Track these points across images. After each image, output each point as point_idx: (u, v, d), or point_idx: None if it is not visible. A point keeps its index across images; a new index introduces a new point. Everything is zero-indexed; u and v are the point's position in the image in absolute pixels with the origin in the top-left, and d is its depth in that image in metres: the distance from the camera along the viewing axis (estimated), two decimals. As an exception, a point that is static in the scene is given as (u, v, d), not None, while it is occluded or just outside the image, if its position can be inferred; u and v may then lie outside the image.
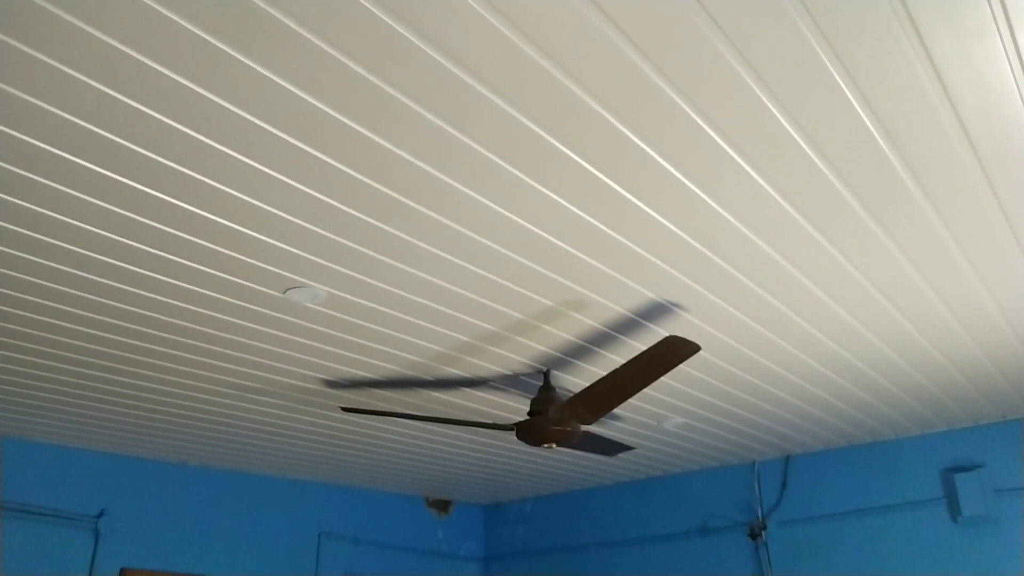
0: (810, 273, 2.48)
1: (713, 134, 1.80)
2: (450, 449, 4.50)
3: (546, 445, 3.03)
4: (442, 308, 2.65)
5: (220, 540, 4.67)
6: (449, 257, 2.32)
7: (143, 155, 1.80)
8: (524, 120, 1.73)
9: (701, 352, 2.86)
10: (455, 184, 1.96)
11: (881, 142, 1.84)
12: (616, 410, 3.73)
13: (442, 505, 6.05)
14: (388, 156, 1.84)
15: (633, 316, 2.75)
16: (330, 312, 2.66)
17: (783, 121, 1.76)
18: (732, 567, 4.89)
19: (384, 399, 3.57)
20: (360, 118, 1.71)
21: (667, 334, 2.63)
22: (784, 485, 4.84)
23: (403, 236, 2.19)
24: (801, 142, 1.83)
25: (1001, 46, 1.57)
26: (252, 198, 1.99)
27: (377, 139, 1.78)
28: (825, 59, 1.58)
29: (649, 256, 2.36)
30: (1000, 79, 1.66)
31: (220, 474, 4.79)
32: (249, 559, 4.77)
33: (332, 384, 3.36)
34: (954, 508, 4.12)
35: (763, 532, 4.80)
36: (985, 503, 3.99)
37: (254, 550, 4.82)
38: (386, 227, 2.14)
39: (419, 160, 1.86)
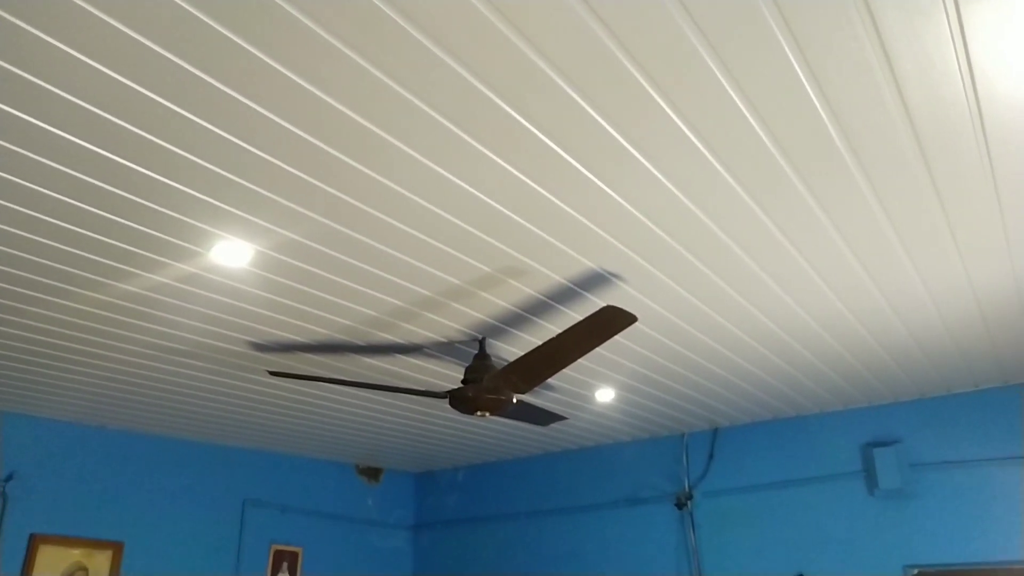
0: (747, 247, 2.49)
1: (663, 103, 1.76)
2: (382, 416, 4.44)
3: (479, 413, 3.00)
4: (376, 271, 2.57)
5: (139, 507, 4.52)
6: (385, 218, 2.24)
7: (54, 93, 1.66)
8: (470, 78, 1.66)
9: (637, 323, 2.86)
10: (395, 142, 1.88)
11: (825, 118, 1.83)
12: (550, 380, 3.72)
13: (372, 473, 5.99)
14: (326, 109, 1.74)
15: (571, 285, 2.72)
16: (257, 271, 2.55)
17: (732, 93, 1.73)
18: (658, 536, 4.98)
19: (314, 364, 3.48)
20: (297, 67, 1.61)
21: (604, 304, 2.61)
22: (711, 456, 4.94)
23: (337, 194, 2.10)
24: (748, 115, 1.81)
25: (947, 27, 1.57)
26: (178, 147, 1.87)
27: (315, 91, 1.68)
28: (777, 30, 1.55)
29: (590, 224, 2.32)
30: (944, 60, 1.66)
31: (141, 438, 4.62)
32: (169, 526, 4.64)
33: (260, 347, 3.25)
34: (872, 481, 4.27)
35: (689, 502, 4.90)
36: (901, 477, 4.14)
37: (175, 517, 4.68)
38: (320, 184, 2.04)
39: (359, 115, 1.77)
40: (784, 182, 2.11)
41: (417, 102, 1.74)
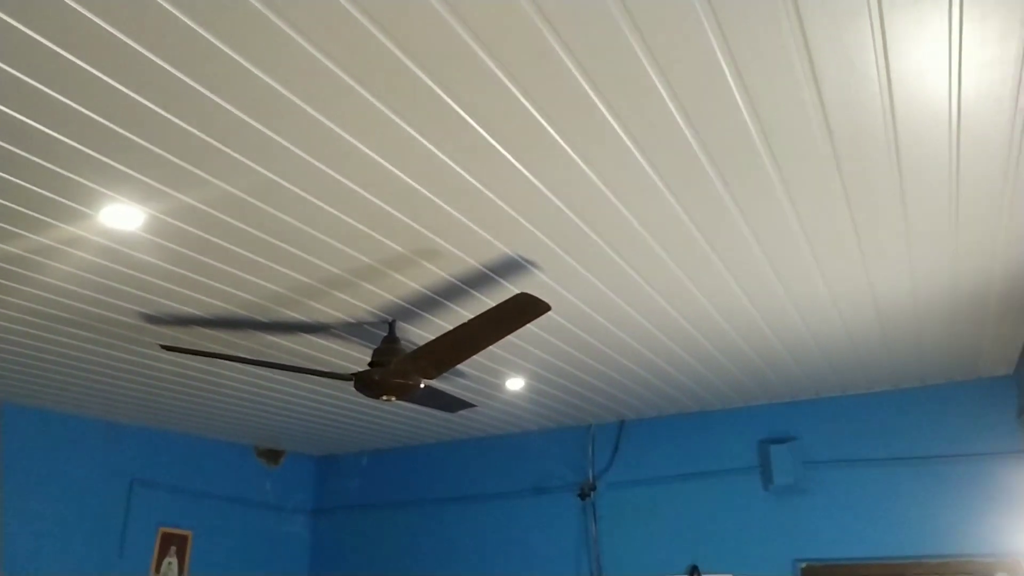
0: (663, 241, 2.49)
1: (590, 91, 1.72)
2: (284, 397, 4.28)
3: (385, 398, 2.92)
4: (282, 244, 2.44)
5: (17, 484, 4.22)
6: (294, 189, 2.12)
7: (-84, 22, 1.48)
8: (390, 45, 1.57)
9: (550, 312, 2.83)
10: (312, 111, 1.77)
11: (745, 114, 1.83)
12: (460, 366, 3.67)
13: (272, 455, 5.80)
14: (237, 70, 1.61)
15: (485, 270, 2.66)
16: (151, 237, 2.38)
17: (660, 86, 1.70)
18: (561, 525, 5.01)
19: (212, 339, 3.31)
20: (204, 19, 1.48)
21: (518, 291, 2.56)
22: (616, 448, 5.00)
23: (243, 160, 1.97)
24: (673, 108, 1.79)
25: (870, 32, 1.58)
26: (65, 96, 1.71)
27: (226, 49, 1.55)
28: (704, 20, 1.52)
29: (508, 209, 2.27)
30: (864, 64, 1.68)
31: (20, 411, 4.31)
32: (49, 506, 4.35)
33: (153, 319, 3.06)
34: (767, 477, 4.40)
35: (592, 493, 4.95)
36: (795, 473, 4.28)
37: (56, 496, 4.40)
38: (219, 145, 1.91)
39: (274, 80, 1.65)
40: (702, 176, 2.11)
41: (339, 72, 1.63)
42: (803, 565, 4.23)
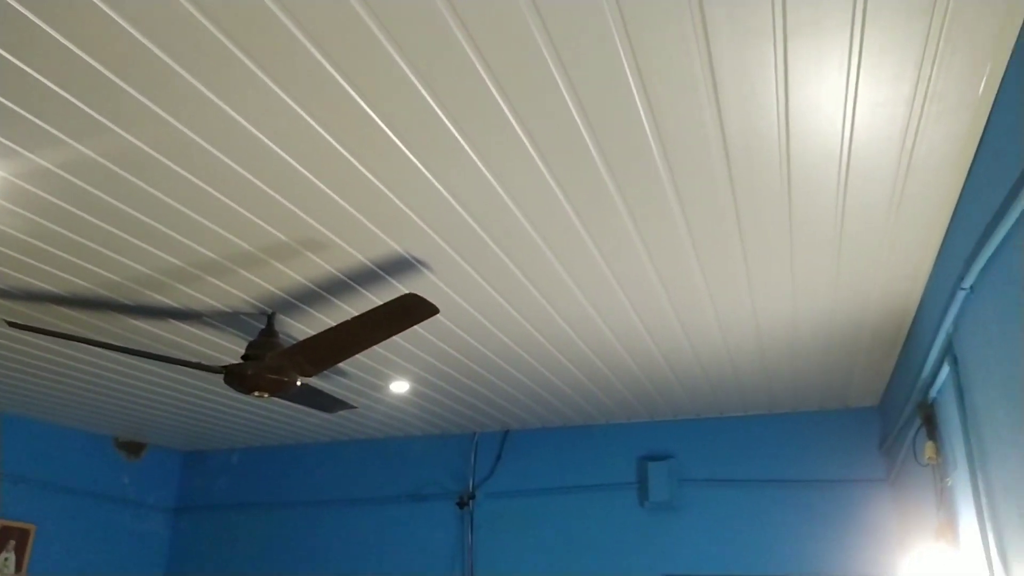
0: (558, 251, 2.45)
1: (496, 93, 1.65)
2: (148, 387, 4.00)
3: (257, 394, 2.75)
4: (150, 221, 2.25)
5: None
6: (164, 161, 1.94)
7: None
8: (287, 21, 1.45)
9: (439, 315, 2.74)
10: (186, 75, 1.61)
11: (647, 128, 1.80)
12: (341, 365, 3.52)
13: (133, 448, 5.43)
14: (97, 16, 1.44)
15: (373, 267, 2.55)
16: (2, 203, 2.14)
17: (566, 94, 1.65)
18: (436, 534, 4.91)
19: (69, 320, 3.03)
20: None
21: (406, 291, 2.47)
22: (499, 458, 4.95)
23: (104, 120, 1.78)
24: (575, 114, 1.74)
25: (773, 57, 1.58)
26: None
27: (105, 8, 1.40)
28: (614, 30, 1.48)
29: (401, 205, 2.17)
30: (765, 90, 1.68)
31: None
32: None
33: (2, 293, 2.77)
34: (643, 493, 4.46)
35: (471, 502, 4.88)
36: (670, 490, 4.35)
37: None
38: (80, 104, 1.72)
39: (139, 32, 1.49)
40: (602, 190, 2.08)
41: (226, 41, 1.50)
42: (671, 581, 4.30)
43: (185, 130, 1.81)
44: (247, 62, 1.57)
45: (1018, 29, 1.49)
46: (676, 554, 4.33)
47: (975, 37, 1.51)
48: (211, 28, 1.48)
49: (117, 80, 1.63)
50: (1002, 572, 1.99)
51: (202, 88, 1.66)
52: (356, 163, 1.95)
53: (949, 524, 2.55)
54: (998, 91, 1.66)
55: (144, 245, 2.40)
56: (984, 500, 2.13)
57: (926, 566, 2.86)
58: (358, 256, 2.48)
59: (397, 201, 2.14)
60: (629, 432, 4.71)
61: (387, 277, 2.63)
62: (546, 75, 1.62)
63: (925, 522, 2.99)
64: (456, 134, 1.83)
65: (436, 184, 2.05)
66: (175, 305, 2.88)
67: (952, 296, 2.16)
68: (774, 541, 4.16)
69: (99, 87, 1.65)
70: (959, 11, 1.44)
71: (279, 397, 2.92)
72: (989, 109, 1.73)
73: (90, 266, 2.55)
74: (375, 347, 3.25)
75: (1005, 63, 1.58)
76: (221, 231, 2.31)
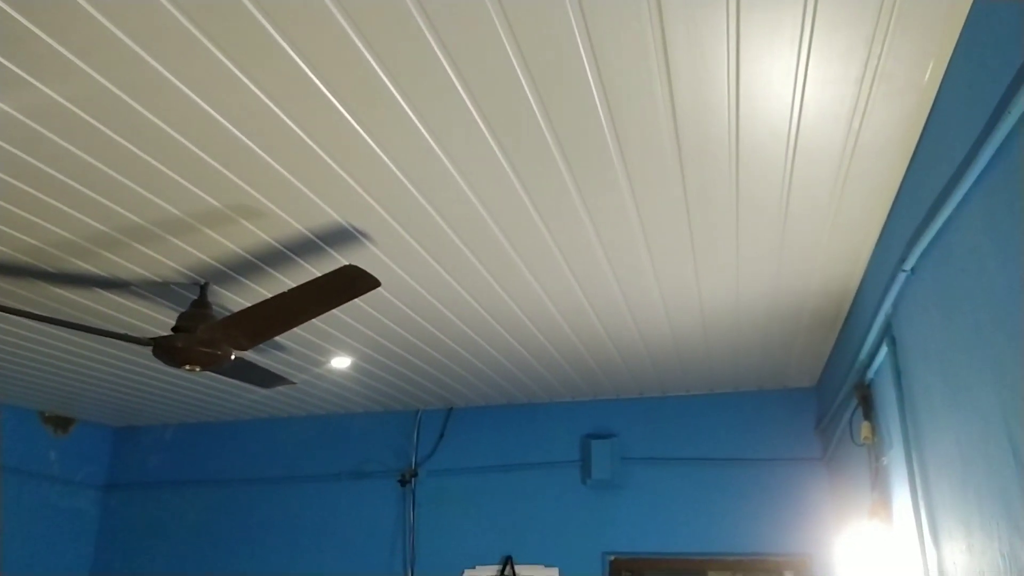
0: (504, 225, 2.40)
1: (445, 62, 1.58)
2: (76, 359, 3.83)
3: (188, 367, 2.64)
4: (72, 183, 2.12)
5: None
6: (86, 118, 1.82)
7: None
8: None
9: (380, 289, 2.67)
10: (112, 28, 1.49)
11: (597, 100, 1.75)
12: (280, 339, 3.42)
13: (61, 423, 5.23)
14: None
15: (313, 237, 2.46)
16: (-95, 158, 1.99)
17: (512, 56, 1.58)
18: (378, 512, 4.86)
19: (-13, 287, 2.87)
20: None
21: (347, 263, 2.39)
22: (442, 435, 4.90)
23: (23, 75, 1.65)
24: (525, 83, 1.68)
25: (725, 28, 1.54)
26: None
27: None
28: (572, 17, 1.43)
29: (343, 174, 2.08)
30: (716, 64, 1.64)
31: None
32: None
33: (-91, 257, 2.60)
34: (586, 471, 4.47)
35: (413, 479, 4.83)
36: (612, 468, 4.37)
37: None
38: (5, 62, 1.60)
39: (53, -28, 1.38)
40: (550, 162, 2.03)
41: (139, -25, 1.39)
42: (611, 558, 4.33)
43: (111, 87, 1.69)
44: (179, 16, 1.47)
45: (966, 11, 1.48)
46: (617, 532, 4.37)
47: (925, 17, 1.50)
48: (133, -28, 1.37)
49: (35, 29, 1.51)
50: (933, 550, 2.03)
51: (129, 42, 1.54)
52: (295, 127, 1.86)
53: (883, 503, 2.60)
54: (944, 74, 1.66)
55: (67, 208, 2.26)
56: (918, 479, 2.17)
57: (860, 543, 2.92)
58: (296, 225, 2.38)
59: (338, 169, 2.06)
60: (573, 410, 4.71)
61: (327, 248, 2.54)
62: (493, 37, 1.55)
63: (860, 501, 3.05)
64: (400, 99, 1.75)
65: (379, 152, 1.97)
66: (101, 273, 2.74)
67: (893, 278, 2.18)
68: (713, 519, 4.22)
69: (15, 36, 1.53)
70: (912, -13, 1.43)
71: (213, 371, 2.81)
72: (935, 92, 1.73)
73: (8, 230, 2.39)
74: (314, 321, 3.16)
75: (953, 45, 1.58)
76: (149, 195, 2.19)
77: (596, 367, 3.95)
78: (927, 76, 1.68)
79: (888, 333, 2.40)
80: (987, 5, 1.39)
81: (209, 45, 1.56)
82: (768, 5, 1.47)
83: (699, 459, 4.36)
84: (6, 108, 1.78)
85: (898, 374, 2.33)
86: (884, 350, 2.46)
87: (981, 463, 1.64)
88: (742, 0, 1.46)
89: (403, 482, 4.84)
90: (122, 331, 3.02)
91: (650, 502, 4.36)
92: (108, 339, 3.42)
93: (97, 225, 2.37)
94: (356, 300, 2.92)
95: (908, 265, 2.02)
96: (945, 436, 1.89)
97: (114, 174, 2.07)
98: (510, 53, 1.60)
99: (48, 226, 2.38)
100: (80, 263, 2.65)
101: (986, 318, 1.54)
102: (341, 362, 3.84)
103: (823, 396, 4.02)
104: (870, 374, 2.75)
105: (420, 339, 3.48)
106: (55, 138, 1.90)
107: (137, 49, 1.57)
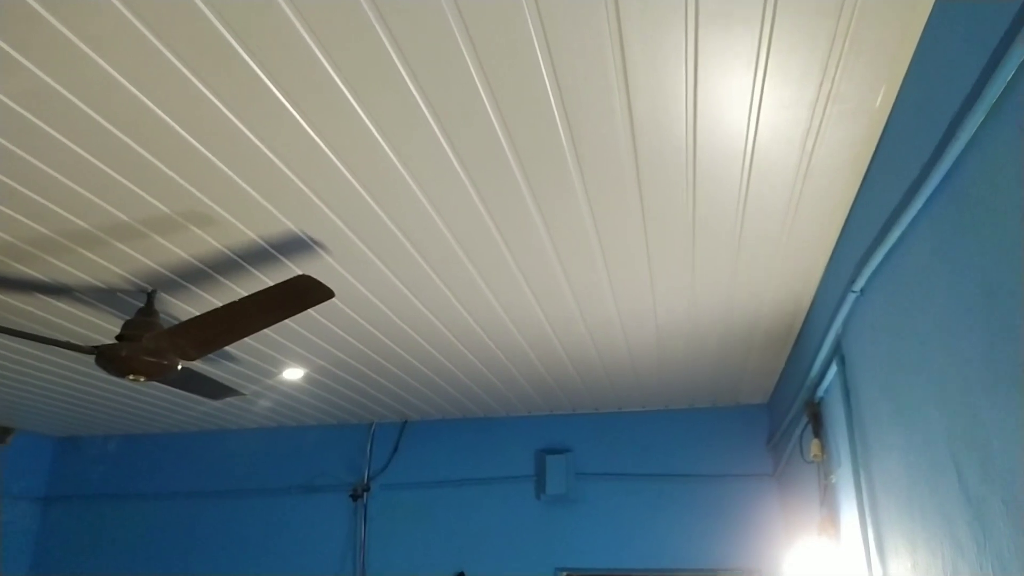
0: (461, 237, 2.38)
1: (400, 66, 1.55)
2: (14, 367, 3.69)
3: (132, 377, 2.56)
4: (13, 183, 2.04)
5: None
6: (29, 116, 1.75)
7: None
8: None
9: (334, 299, 2.63)
10: (54, 21, 1.44)
11: (555, 112, 1.75)
12: (229, 349, 3.34)
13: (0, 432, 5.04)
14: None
15: (266, 245, 2.41)
16: None
17: (470, 65, 1.57)
18: (328, 527, 4.77)
19: (-79, 291, 2.75)
20: None
21: (300, 272, 2.34)
22: (396, 449, 4.85)
23: (-39, 70, 1.59)
24: (483, 94, 1.67)
25: (683, 44, 1.55)
26: None
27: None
28: (526, 8, 1.42)
29: (298, 182, 2.05)
30: (674, 80, 1.65)
31: None
32: None
33: None
34: (540, 486, 4.45)
35: (365, 494, 4.76)
36: (567, 483, 4.36)
37: None
38: (-67, 49, 1.53)
39: (-6, -37, 1.33)
40: (507, 173, 2.02)
41: (85, -29, 1.35)
42: (564, 573, 4.31)
43: (54, 84, 1.64)
44: (124, 10, 1.42)
45: (918, 37, 1.52)
46: (570, 547, 4.35)
47: (878, 42, 1.53)
48: (80, -32, 1.33)
49: (-30, 20, 1.45)
50: (879, 566, 2.05)
51: (72, 37, 1.49)
52: (248, 133, 1.82)
53: (831, 519, 2.63)
54: (896, 98, 1.69)
55: (7, 210, 2.18)
56: (865, 497, 2.19)
57: (809, 559, 2.95)
58: (248, 233, 2.33)
59: (292, 176, 2.02)
60: (528, 425, 4.69)
61: (279, 257, 2.49)
62: (453, 48, 1.54)
63: (809, 517, 3.08)
64: (357, 108, 1.72)
65: (335, 160, 1.94)
66: (43, 279, 2.65)
67: (842, 298, 2.22)
68: (666, 535, 4.23)
69: (-52, 27, 1.47)
70: (864, 13, 1.45)
71: (158, 381, 2.73)
72: (887, 116, 1.76)
73: (-57, 231, 2.30)
74: (266, 331, 3.10)
75: (904, 70, 1.61)
76: (95, 199, 2.12)
77: (552, 382, 3.94)
78: (879, 100, 1.72)
79: (838, 352, 2.44)
80: (938, 32, 1.42)
81: (161, 47, 1.52)
82: (725, 26, 1.49)
83: (653, 475, 4.38)
84: (-57, 105, 1.71)
85: (847, 393, 2.37)
86: (834, 369, 2.50)
87: (926, 483, 1.66)
88: (700, 20, 1.48)
89: (355, 496, 4.76)
90: (64, 339, 2.92)
91: (604, 517, 4.36)
92: (50, 347, 3.31)
93: (40, 228, 2.29)
94: (309, 310, 2.87)
95: (857, 286, 2.06)
96: (892, 455, 1.92)
97: (59, 176, 2.00)
98: (470, 65, 1.59)
99: (-13, 228, 2.29)
100: (21, 267, 2.56)
101: (932, 340, 1.56)
102: (293, 373, 3.77)
103: (775, 413, 4.07)
104: (820, 392, 2.78)
105: (375, 351, 3.44)
106: (-4, 137, 1.83)
107: (85, 48, 1.52)
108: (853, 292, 2.10)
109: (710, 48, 1.55)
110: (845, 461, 2.42)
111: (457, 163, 1.96)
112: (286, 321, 2.98)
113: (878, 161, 1.88)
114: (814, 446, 2.78)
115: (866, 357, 2.14)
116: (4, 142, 1.85)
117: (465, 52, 1.55)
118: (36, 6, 1.41)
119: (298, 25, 1.47)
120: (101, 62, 1.57)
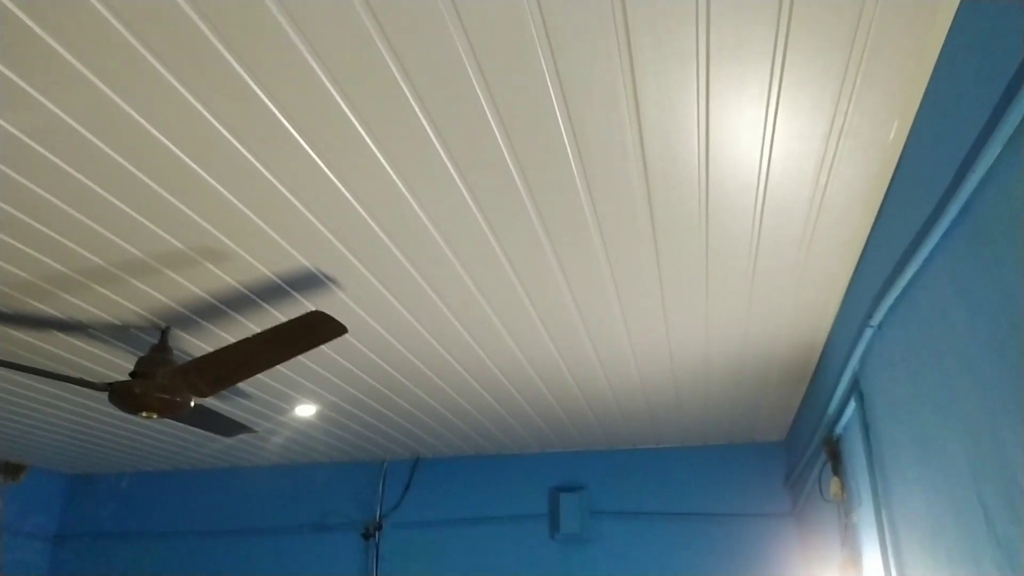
0: (475, 275, 2.38)
1: (416, 108, 1.57)
2: (28, 403, 3.70)
3: (145, 414, 2.55)
4: (27, 219, 2.06)
5: None
6: (44, 152, 1.77)
7: None
8: (188, 10, 1.33)
9: (347, 335, 2.62)
10: (68, 56, 1.47)
11: (568, 147, 1.76)
12: (242, 386, 3.34)
13: (12, 469, 5.03)
14: (-35, -17, 1.31)
15: (279, 281, 2.41)
16: None
17: (483, 101, 1.58)
18: (340, 566, 4.71)
19: (-63, 327, 2.77)
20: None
21: (314, 308, 2.34)
22: (408, 487, 4.80)
23: (-19, 109, 1.62)
24: (496, 131, 1.68)
25: (695, 79, 1.56)
26: None
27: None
28: (539, 45, 1.43)
29: (312, 218, 2.05)
30: (686, 113, 1.66)
31: None
32: None
33: None
34: (555, 524, 4.38)
35: (377, 533, 4.70)
36: (581, 522, 4.29)
37: None
38: (-45, 89, 1.56)
39: (13, 4, 1.35)
40: (521, 211, 2.02)
41: (117, 25, 1.37)
42: (579, 616, 4.22)
43: (67, 119, 1.66)
44: (137, 45, 1.44)
45: (930, 70, 1.51)
46: (585, 588, 4.27)
47: (891, 75, 1.53)
48: (96, 4, 1.35)
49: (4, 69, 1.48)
50: (903, 610, 1.99)
51: (86, 72, 1.51)
52: (262, 168, 1.83)
53: (853, 560, 2.57)
54: (910, 132, 1.69)
55: (22, 247, 2.20)
56: (888, 536, 2.14)
57: (829, 602, 2.87)
58: (262, 269, 2.34)
59: (305, 212, 2.03)
60: (542, 462, 4.64)
61: (293, 292, 2.49)
62: (466, 86, 1.55)
63: (830, 557, 3.01)
64: (372, 144, 1.74)
65: (349, 196, 1.95)
66: (58, 315, 2.66)
67: (860, 333, 2.18)
68: (682, 574, 4.14)
69: (-30, 67, 1.49)
70: (876, 47, 1.45)
71: (171, 418, 2.73)
72: (901, 149, 1.75)
73: (-39, 268, 2.32)
74: (279, 367, 3.09)
75: (918, 103, 1.60)
76: (109, 235, 2.13)
77: (566, 419, 3.90)
78: (892, 134, 1.71)
79: (856, 388, 2.40)
80: (952, 66, 1.42)
81: (174, 82, 1.54)
82: (737, 60, 1.49)
83: (669, 513, 4.30)
84: (-37, 143, 1.73)
85: (866, 429, 2.32)
86: (852, 405, 2.46)
87: (951, 523, 1.62)
88: (712, 54, 1.48)
89: (367, 535, 4.70)
90: (78, 375, 2.93)
91: (619, 556, 4.28)
92: (63, 383, 3.31)
93: (54, 265, 2.31)
94: (322, 347, 2.87)
95: (875, 321, 2.03)
96: (914, 494, 1.87)
97: (72, 211, 2.02)
98: (483, 103, 1.60)
99: (2, 264, 2.31)
100: (36, 304, 2.58)
101: (955, 375, 1.53)
102: (306, 410, 3.76)
103: (792, 450, 4.00)
104: (838, 429, 2.74)
105: (388, 388, 3.42)
106: (9, 172, 1.85)
107: (98, 83, 1.54)
108: (871, 327, 2.07)
109: (721, 82, 1.55)
110: (866, 500, 2.37)
111: (471, 200, 1.96)
112: (299, 357, 2.97)
113: (892, 195, 1.87)
114: (834, 484, 2.73)
115: (885, 393, 2.10)
116: (17, 176, 1.87)
117: (480, 94, 1.56)
118: (47, 38, 1.44)
119: (313, 63, 1.49)
120: (115, 97, 1.59)
